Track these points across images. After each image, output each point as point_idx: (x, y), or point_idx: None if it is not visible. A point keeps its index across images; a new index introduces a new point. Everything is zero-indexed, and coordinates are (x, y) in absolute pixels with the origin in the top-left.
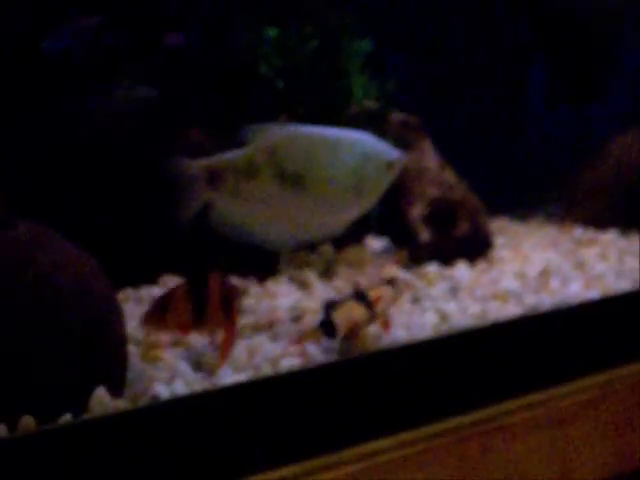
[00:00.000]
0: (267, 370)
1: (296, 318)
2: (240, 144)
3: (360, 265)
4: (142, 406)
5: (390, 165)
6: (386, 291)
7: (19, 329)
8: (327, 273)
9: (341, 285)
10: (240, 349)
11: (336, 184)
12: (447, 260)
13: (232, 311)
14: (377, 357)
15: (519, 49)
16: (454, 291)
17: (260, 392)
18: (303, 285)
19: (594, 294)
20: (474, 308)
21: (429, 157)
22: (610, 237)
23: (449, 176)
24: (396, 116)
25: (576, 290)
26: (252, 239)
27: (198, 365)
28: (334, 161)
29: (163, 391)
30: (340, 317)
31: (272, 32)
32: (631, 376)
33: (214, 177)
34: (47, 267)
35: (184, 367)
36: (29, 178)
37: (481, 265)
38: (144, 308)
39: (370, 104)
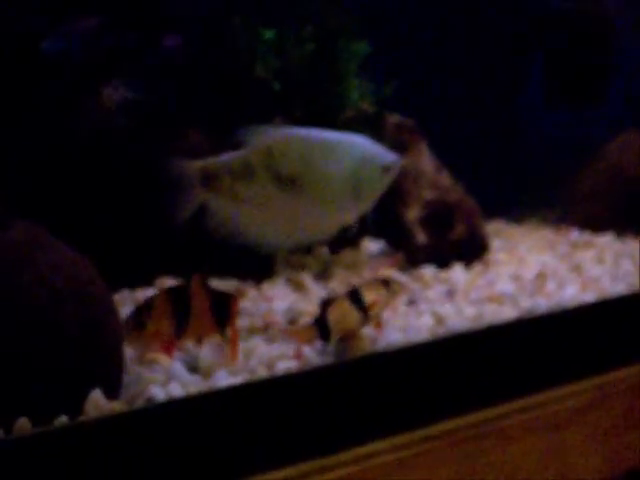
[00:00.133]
0: (263, 373)
1: (292, 320)
2: (236, 146)
3: (356, 267)
4: (138, 408)
5: (386, 168)
6: (380, 293)
7: (15, 330)
8: (323, 275)
9: (337, 287)
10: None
11: (332, 187)
12: (443, 263)
13: (230, 314)
14: (373, 360)
15: (516, 51)
16: (450, 294)
17: (256, 395)
18: (299, 287)
19: (590, 297)
20: (470, 311)
21: (425, 160)
22: (606, 240)
23: (445, 179)
24: (392, 118)
25: (572, 293)
26: (248, 241)
27: (194, 367)
28: (330, 164)
29: (159, 393)
30: (334, 319)
31: (269, 34)
32: (627, 379)
33: (210, 178)
34: (43, 269)
35: (180, 369)
36: (26, 179)
37: (477, 268)
38: None
39: (366, 107)
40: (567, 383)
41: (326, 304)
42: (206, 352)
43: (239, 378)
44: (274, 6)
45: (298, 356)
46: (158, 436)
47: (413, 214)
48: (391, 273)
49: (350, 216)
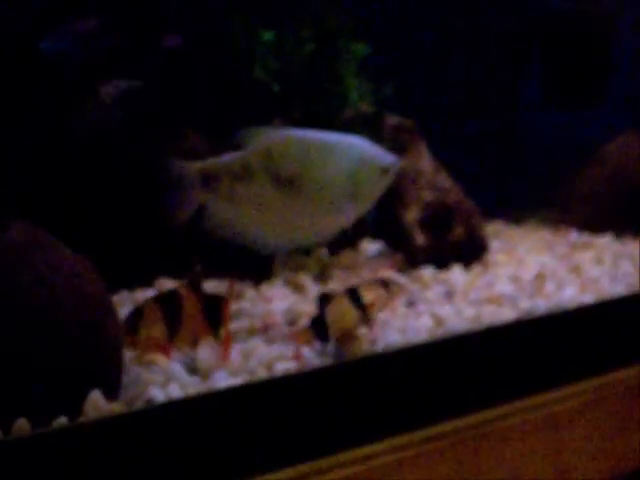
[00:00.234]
0: (262, 374)
1: (291, 321)
2: (235, 147)
3: (355, 269)
4: (137, 409)
5: (385, 170)
6: (379, 293)
7: (14, 331)
8: (322, 276)
9: (336, 289)
10: (235, 353)
11: (331, 188)
12: (442, 264)
13: (222, 315)
14: (372, 361)
15: (516, 51)
16: (449, 295)
17: (255, 396)
18: (298, 288)
19: (589, 298)
20: (469, 312)
21: (424, 161)
22: (605, 241)
23: (444, 180)
24: (391, 119)
25: (571, 294)
26: (247, 242)
27: (193, 369)
28: (329, 165)
29: (158, 394)
30: (332, 317)
31: (268, 35)
32: (625, 380)
33: (209, 180)
34: (43, 269)
35: (179, 370)
36: (25, 179)
37: (476, 269)
38: None
39: (365, 107)
40: (566, 384)
41: (324, 300)
42: (205, 353)
43: (238, 379)
44: (273, 7)
45: (297, 357)
46: (157, 437)
47: (412, 215)
48: (390, 274)
49: (349, 217)
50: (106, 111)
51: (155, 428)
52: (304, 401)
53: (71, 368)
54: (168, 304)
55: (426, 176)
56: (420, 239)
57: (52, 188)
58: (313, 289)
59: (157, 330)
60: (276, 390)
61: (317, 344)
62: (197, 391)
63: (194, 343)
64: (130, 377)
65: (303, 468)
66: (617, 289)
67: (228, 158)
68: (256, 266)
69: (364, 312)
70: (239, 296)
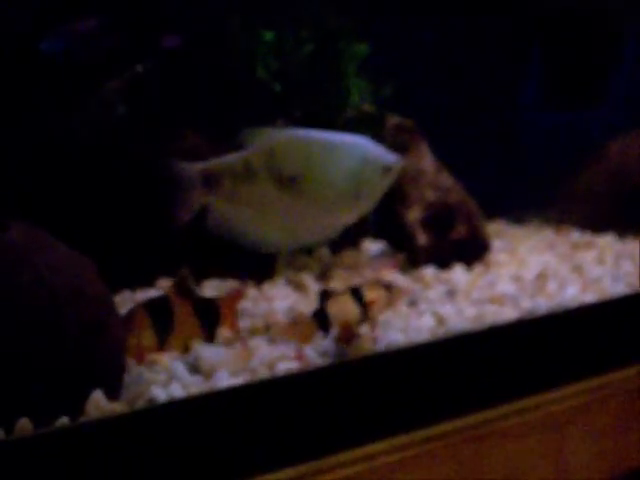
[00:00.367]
0: (264, 373)
1: (293, 320)
2: (238, 147)
3: (357, 268)
4: (139, 409)
5: (387, 169)
6: (381, 295)
7: (15, 331)
8: (324, 276)
9: (338, 287)
10: (236, 352)
11: (333, 188)
12: (444, 263)
13: (218, 319)
14: (373, 360)
15: (516, 51)
16: (451, 294)
17: (257, 395)
18: (300, 288)
19: (591, 298)
20: (471, 311)
21: (426, 160)
22: (607, 240)
23: (446, 179)
24: (392, 119)
25: (573, 294)
26: (249, 242)
27: (195, 368)
28: (332, 165)
29: (160, 394)
30: (334, 309)
31: (269, 35)
32: (627, 380)
33: (211, 180)
34: (43, 269)
35: (181, 370)
36: (25, 179)
37: (478, 268)
38: None
39: (366, 107)
40: (567, 384)
41: (326, 296)
42: (208, 353)
43: (240, 379)
44: (274, 7)
45: (300, 357)
46: (159, 437)
47: (414, 215)
48: (393, 276)
49: (351, 217)
50: (107, 111)
51: (157, 428)
52: (305, 401)
53: (73, 368)
54: (157, 310)
55: (428, 176)
56: (422, 239)
57: (52, 188)
58: (315, 289)
59: (147, 337)
60: (278, 389)
61: (318, 342)
62: (199, 391)
63: (187, 347)
64: (132, 377)
65: (304, 468)
66: (619, 289)
67: (230, 158)
68: (258, 266)
69: (365, 311)
70: (240, 295)
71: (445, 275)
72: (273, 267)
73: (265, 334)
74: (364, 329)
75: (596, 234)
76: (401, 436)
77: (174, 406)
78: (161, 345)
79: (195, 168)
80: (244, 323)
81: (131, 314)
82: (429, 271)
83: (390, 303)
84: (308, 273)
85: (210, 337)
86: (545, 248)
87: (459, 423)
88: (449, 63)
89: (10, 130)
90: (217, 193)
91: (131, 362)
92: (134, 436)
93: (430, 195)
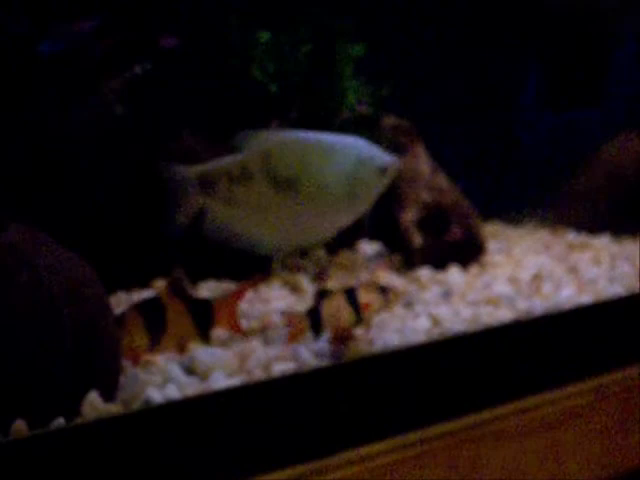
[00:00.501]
0: (259, 374)
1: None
2: (233, 150)
3: (352, 269)
4: (134, 410)
5: (383, 170)
6: (376, 297)
7: (11, 332)
8: (319, 277)
9: (333, 288)
10: (232, 353)
11: (330, 189)
12: (440, 264)
13: (212, 318)
14: (369, 362)
15: (513, 52)
16: (447, 296)
17: (252, 397)
18: (295, 289)
19: (586, 299)
20: (466, 313)
21: (422, 162)
22: (603, 242)
23: (442, 180)
24: (389, 120)
25: (568, 295)
26: (246, 244)
27: (190, 369)
28: (328, 166)
29: (156, 395)
30: (327, 309)
31: (265, 36)
32: (623, 381)
33: (208, 183)
34: (40, 270)
35: (177, 371)
36: (22, 181)
37: (474, 269)
38: None
39: (363, 108)
40: (564, 385)
41: (320, 296)
42: (203, 354)
43: (236, 380)
44: (270, 8)
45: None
46: (155, 438)
47: (410, 216)
48: (388, 277)
49: (347, 218)
50: (105, 111)
51: (153, 429)
52: (302, 402)
53: (68, 369)
54: (149, 311)
55: (424, 177)
56: (417, 240)
57: (50, 189)
58: (311, 290)
59: (139, 337)
60: (274, 391)
61: (313, 343)
62: (195, 392)
63: (181, 348)
64: (127, 378)
65: (301, 469)
66: (615, 290)
67: (226, 161)
68: (254, 267)
69: (359, 312)
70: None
71: (441, 276)
72: (269, 268)
73: (261, 335)
74: (358, 330)
75: (592, 235)
76: (398, 437)
77: (170, 407)
78: (153, 345)
79: (192, 171)
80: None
81: (123, 315)
82: (425, 272)
83: (385, 306)
84: (304, 274)
85: (204, 337)
86: (541, 249)
87: (456, 424)
88: (446, 64)
89: (9, 131)
90: (214, 195)
91: (126, 363)
92: (130, 437)
93: (426, 196)
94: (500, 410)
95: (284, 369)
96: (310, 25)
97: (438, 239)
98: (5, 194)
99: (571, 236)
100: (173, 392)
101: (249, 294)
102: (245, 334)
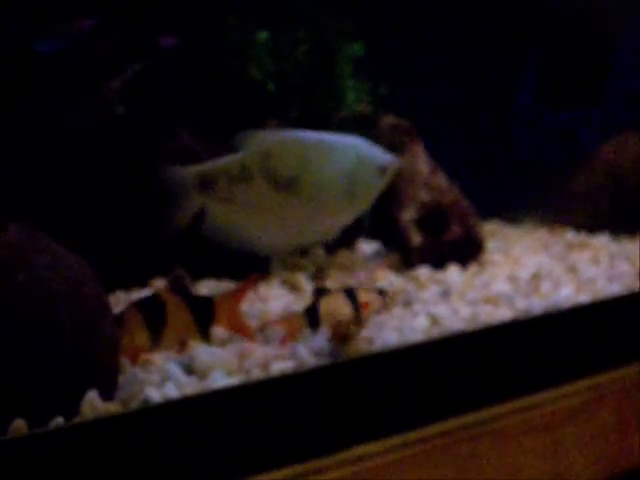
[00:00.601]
0: (258, 374)
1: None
2: (233, 149)
3: (351, 269)
4: (133, 409)
5: (383, 169)
6: (375, 299)
7: (10, 331)
8: (319, 276)
9: (332, 288)
10: (231, 352)
11: (329, 189)
12: (438, 264)
13: (213, 316)
14: (368, 360)
15: (512, 51)
16: (445, 295)
17: (251, 396)
18: (295, 288)
19: (585, 298)
20: (465, 312)
21: (420, 161)
22: (601, 241)
23: (440, 180)
24: (388, 119)
25: (567, 294)
26: (246, 244)
27: (189, 368)
28: (327, 166)
29: (154, 394)
30: (325, 308)
31: (262, 35)
32: (622, 380)
33: (207, 183)
34: (38, 269)
35: (175, 370)
36: (21, 180)
37: (472, 269)
38: None
39: (362, 107)
40: (562, 384)
41: (319, 294)
42: (202, 353)
43: (235, 379)
44: (269, 7)
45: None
46: (154, 437)
47: (408, 215)
48: (387, 277)
49: (347, 217)
50: (105, 112)
51: (152, 428)
52: (300, 401)
53: (67, 368)
54: (149, 309)
55: (422, 176)
56: (416, 239)
57: (49, 189)
58: (310, 289)
59: (139, 336)
60: (272, 390)
61: (311, 341)
62: (193, 391)
63: (182, 346)
64: (126, 377)
65: (299, 468)
66: (613, 289)
67: (226, 161)
68: (253, 266)
69: (357, 311)
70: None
71: (439, 275)
72: (268, 267)
73: (260, 334)
74: (356, 329)
75: (591, 234)
76: (396, 437)
77: (168, 407)
78: (154, 343)
79: (191, 171)
80: None
81: (123, 313)
82: (423, 271)
83: (383, 308)
84: (303, 273)
85: (204, 335)
86: (540, 248)
87: (455, 423)
88: (445, 63)
89: (8, 131)
90: (213, 195)
91: (125, 362)
92: (129, 437)
93: (424, 195)
94: (498, 409)
95: (283, 368)
96: (309, 24)
97: (437, 238)
98: (4, 194)
99: (570, 235)
100: (172, 391)
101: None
102: (251, 333)
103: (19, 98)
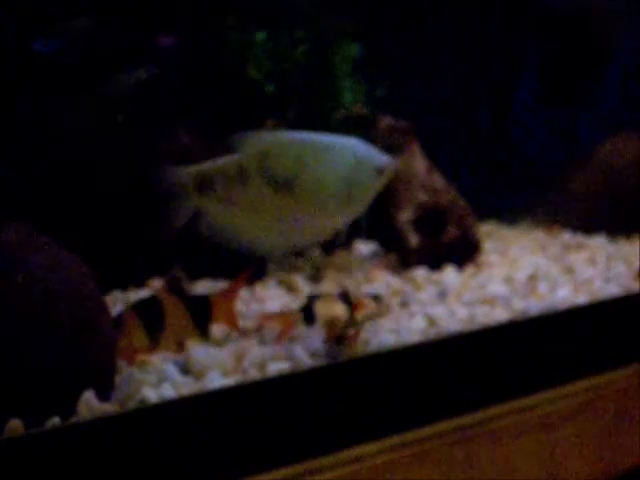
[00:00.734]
0: (255, 374)
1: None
2: (230, 150)
3: (348, 269)
4: (130, 410)
5: (380, 171)
6: (369, 303)
7: (7, 331)
8: (315, 277)
9: (329, 289)
10: (228, 353)
11: (326, 190)
12: (435, 264)
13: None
14: (365, 361)
15: (509, 52)
16: (442, 295)
17: (248, 396)
18: (291, 289)
19: (582, 299)
20: (462, 313)
21: (417, 161)
22: (598, 242)
23: (437, 180)
24: (385, 120)
25: (564, 295)
26: (243, 245)
27: (186, 369)
28: (325, 167)
29: (151, 395)
30: (321, 308)
31: (261, 35)
32: (619, 381)
33: (204, 184)
34: (36, 269)
35: (172, 371)
36: (20, 180)
37: (469, 269)
38: None
39: (359, 108)
40: (559, 385)
41: (313, 298)
42: (199, 353)
43: (231, 379)
44: (269, 7)
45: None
46: (150, 437)
47: (405, 216)
48: (384, 278)
49: (344, 219)
50: (103, 111)
51: (148, 428)
52: (297, 401)
53: (64, 368)
54: (147, 310)
55: (419, 177)
56: (413, 240)
57: (46, 189)
58: (306, 290)
59: (138, 338)
60: (269, 390)
61: (309, 344)
62: (190, 391)
63: (180, 346)
64: (123, 377)
65: (296, 468)
66: (610, 290)
67: (223, 161)
68: (250, 266)
69: (352, 313)
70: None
71: (436, 276)
72: (264, 268)
73: (257, 335)
74: (351, 331)
75: (587, 235)
76: (393, 437)
77: (165, 407)
78: (153, 345)
79: (189, 171)
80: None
81: (121, 316)
82: (420, 272)
83: (377, 314)
84: (300, 274)
85: (202, 334)
86: (536, 249)
87: (451, 424)
88: (443, 63)
89: (7, 131)
90: (210, 196)
91: (122, 363)
92: (125, 437)
93: (421, 196)
94: (495, 410)
95: (279, 369)
96: (308, 24)
97: (434, 239)
98: (3, 194)
99: (567, 236)
100: (168, 391)
101: (245, 294)
102: (243, 331)
103: (18, 98)
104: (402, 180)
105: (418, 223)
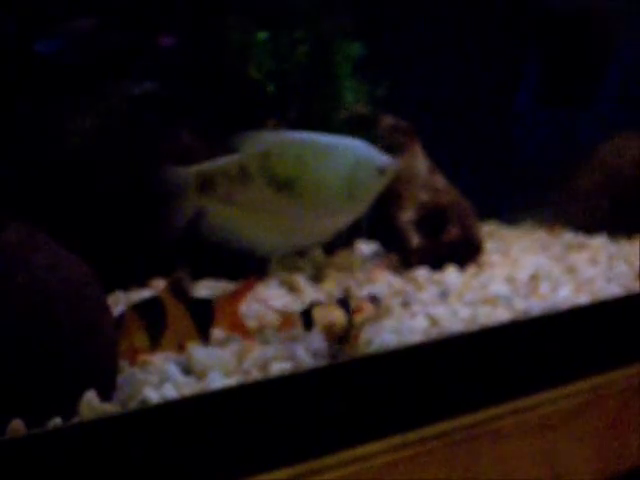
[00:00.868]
0: (257, 374)
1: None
2: (232, 150)
3: (350, 269)
4: (131, 410)
5: (382, 171)
6: (367, 307)
7: (8, 332)
8: (317, 277)
9: (331, 289)
10: (229, 353)
11: (328, 190)
12: (437, 264)
13: (212, 318)
14: (366, 361)
15: (511, 51)
16: (444, 295)
17: (249, 396)
18: (293, 289)
19: (584, 299)
20: (464, 313)
21: (419, 161)
22: (600, 242)
23: (439, 180)
24: (386, 120)
25: (566, 295)
26: (244, 245)
27: (188, 369)
28: (326, 167)
29: (153, 395)
30: (319, 314)
31: (262, 35)
32: (621, 381)
33: (206, 184)
34: (37, 269)
35: (174, 371)
36: (21, 180)
37: (471, 269)
38: None
39: (361, 108)
40: (561, 385)
41: (312, 305)
42: (201, 353)
43: (233, 380)
44: (269, 7)
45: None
46: (152, 438)
47: (407, 216)
48: (385, 278)
49: (346, 219)
50: (104, 112)
51: (150, 429)
52: (299, 402)
53: (66, 368)
54: (149, 311)
55: (421, 177)
56: (415, 240)
57: (47, 189)
58: (308, 290)
59: (139, 338)
60: (271, 391)
61: (310, 344)
62: (192, 391)
63: (181, 348)
64: (124, 377)
65: (298, 468)
66: (612, 290)
67: (225, 161)
68: (252, 267)
69: (350, 317)
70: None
71: (438, 276)
72: (266, 268)
73: (258, 335)
74: (350, 333)
75: (589, 235)
76: (395, 437)
77: (167, 407)
78: (154, 346)
79: (189, 171)
80: None
81: (123, 316)
82: (422, 272)
83: (376, 317)
84: (301, 274)
85: (204, 337)
86: (538, 249)
87: (453, 424)
88: (444, 63)
89: (8, 131)
90: (212, 196)
91: (123, 363)
92: (127, 437)
93: (423, 196)
94: (497, 410)
95: (281, 369)
96: (308, 24)
97: (435, 239)
98: (4, 194)
99: (568, 236)
100: (170, 392)
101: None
102: (250, 334)
103: (19, 98)
104: (403, 180)
105: (420, 223)
